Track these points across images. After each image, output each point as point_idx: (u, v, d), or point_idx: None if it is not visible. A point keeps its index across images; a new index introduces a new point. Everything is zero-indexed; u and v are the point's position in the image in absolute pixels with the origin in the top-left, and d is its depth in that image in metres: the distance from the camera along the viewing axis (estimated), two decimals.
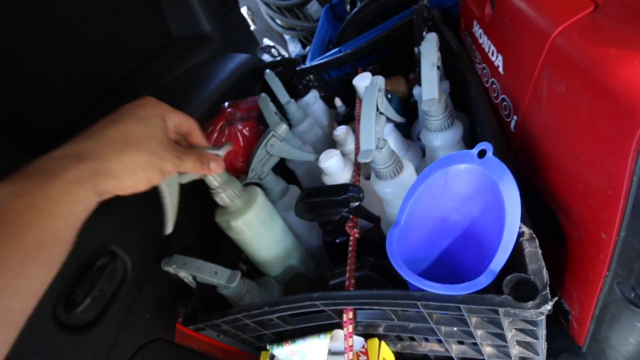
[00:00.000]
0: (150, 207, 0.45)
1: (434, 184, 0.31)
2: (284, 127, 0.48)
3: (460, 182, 0.30)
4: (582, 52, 0.25)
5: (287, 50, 1.32)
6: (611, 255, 0.25)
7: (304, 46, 1.29)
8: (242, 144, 0.59)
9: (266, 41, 1.17)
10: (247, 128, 0.61)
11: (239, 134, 0.59)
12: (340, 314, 0.36)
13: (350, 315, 0.35)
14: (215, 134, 0.57)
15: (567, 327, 0.35)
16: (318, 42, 0.89)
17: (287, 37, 1.36)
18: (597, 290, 0.28)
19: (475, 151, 0.28)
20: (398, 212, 0.33)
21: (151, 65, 0.74)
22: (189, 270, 0.40)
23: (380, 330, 0.38)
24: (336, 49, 0.75)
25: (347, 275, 0.38)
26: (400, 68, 0.70)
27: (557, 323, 0.36)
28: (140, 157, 0.29)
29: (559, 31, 0.28)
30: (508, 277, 0.25)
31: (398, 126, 0.61)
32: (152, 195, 0.39)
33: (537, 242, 0.26)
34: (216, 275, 0.40)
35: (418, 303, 0.28)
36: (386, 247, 0.31)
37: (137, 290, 0.42)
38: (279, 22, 1.30)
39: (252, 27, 1.49)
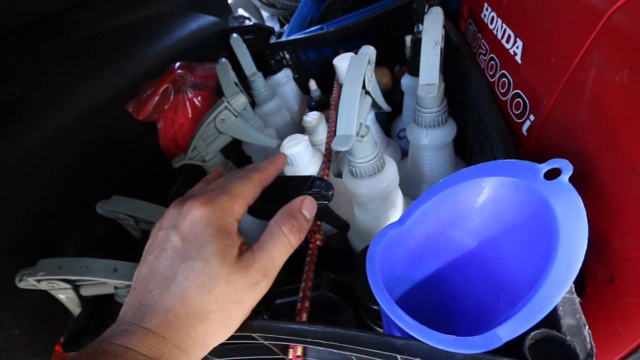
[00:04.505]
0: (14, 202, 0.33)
1: (465, 192, 0.23)
2: (242, 99, 0.38)
3: (497, 197, 0.22)
4: None
5: None
6: None
7: (282, 26, 1.18)
8: (190, 116, 0.48)
9: (241, 11, 1.05)
10: (199, 98, 0.49)
11: (187, 103, 0.48)
12: (285, 349, 0.27)
13: (299, 352, 0.26)
14: (156, 98, 0.45)
15: None
16: (299, 19, 0.79)
17: (265, 15, 1.24)
18: (625, 352, 0.21)
19: (544, 168, 0.20)
20: (405, 212, 0.24)
21: (96, 4, 0.59)
22: (67, 275, 0.28)
23: None
24: (317, 27, 0.66)
25: (301, 295, 0.29)
26: (387, 58, 0.62)
27: None
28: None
29: (621, 3, 0.20)
30: (532, 334, 0.17)
31: (378, 121, 0.54)
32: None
33: (574, 286, 0.18)
34: (115, 273, 0.28)
35: (398, 357, 0.19)
36: (367, 262, 0.22)
37: (4, 295, 0.30)
38: None
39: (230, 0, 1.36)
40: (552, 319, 0.17)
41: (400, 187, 0.46)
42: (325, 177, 0.39)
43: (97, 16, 0.57)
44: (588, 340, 0.16)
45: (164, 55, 0.55)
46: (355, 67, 0.30)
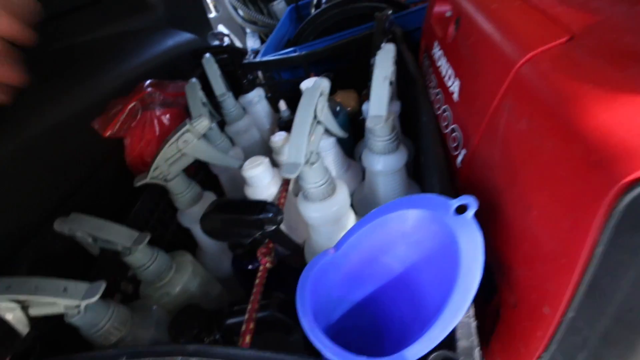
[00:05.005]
0: None
1: (391, 222, 0.25)
2: (204, 122, 0.40)
3: (417, 226, 0.24)
4: (552, 85, 0.20)
5: (244, 43, 1.23)
6: (551, 335, 0.21)
7: (263, 43, 1.21)
8: (157, 133, 0.49)
9: (221, 28, 1.07)
10: (167, 115, 0.51)
11: (155, 121, 0.49)
12: None
13: None
14: (123, 116, 0.46)
15: None
16: (275, 39, 0.82)
17: (247, 30, 1.27)
18: None
19: (454, 204, 0.22)
20: (340, 238, 0.26)
21: (69, 18, 0.60)
22: (16, 294, 0.28)
23: None
24: (291, 49, 0.69)
25: (247, 316, 0.30)
26: (355, 82, 0.65)
27: None
28: None
29: (527, 59, 0.23)
30: (432, 356, 0.19)
31: (342, 144, 0.56)
32: None
33: (473, 310, 0.21)
34: (65, 293, 0.29)
35: None
36: (298, 286, 0.24)
37: None
38: (241, 13, 1.21)
39: (213, 14, 1.38)
40: (450, 341, 0.19)
41: (358, 208, 0.48)
42: (282, 199, 0.41)
43: (71, 30, 0.58)
44: None
45: (137, 71, 0.56)
46: (307, 99, 0.33)
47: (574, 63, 0.20)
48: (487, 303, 0.29)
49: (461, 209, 0.22)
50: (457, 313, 0.19)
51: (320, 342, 0.20)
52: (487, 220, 0.26)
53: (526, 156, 0.22)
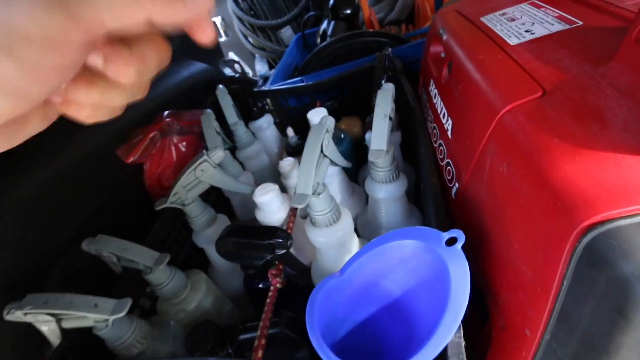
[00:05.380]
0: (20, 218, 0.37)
1: (390, 250, 0.28)
2: (219, 153, 0.43)
3: (413, 255, 0.27)
4: (527, 136, 0.24)
5: (253, 68, 1.29)
6: (533, 355, 0.24)
7: (271, 67, 1.27)
8: (174, 159, 0.53)
9: (231, 55, 1.13)
10: (184, 143, 0.55)
11: (173, 148, 0.53)
12: None
13: None
14: (144, 144, 0.50)
15: None
16: (283, 67, 0.87)
17: (256, 56, 1.33)
18: None
19: (445, 236, 0.25)
20: (345, 263, 0.29)
21: None
22: (52, 309, 0.31)
23: None
24: (298, 78, 0.73)
25: (259, 333, 0.33)
26: (359, 109, 0.70)
27: None
28: None
29: (508, 109, 0.27)
30: None
31: (347, 168, 0.59)
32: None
33: (462, 331, 0.23)
34: (96, 309, 0.32)
35: None
36: (307, 306, 0.27)
37: None
38: (250, 40, 1.28)
39: (223, 39, 1.45)
40: (442, 359, 0.22)
41: (362, 231, 0.51)
42: (291, 224, 0.44)
43: None
44: None
45: (156, 102, 0.61)
46: (314, 136, 0.36)
47: (545, 117, 0.24)
48: (483, 325, 0.32)
49: (451, 241, 0.25)
50: (448, 333, 0.22)
51: (328, 357, 0.23)
52: (477, 250, 0.29)
53: (507, 196, 0.25)
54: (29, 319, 0.32)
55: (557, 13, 0.34)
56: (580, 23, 0.31)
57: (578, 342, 0.20)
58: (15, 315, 0.32)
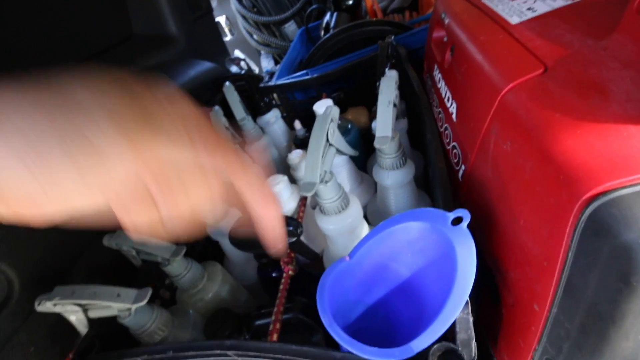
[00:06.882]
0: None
1: (397, 233, 0.29)
2: None
3: (420, 236, 0.28)
4: (529, 113, 0.24)
5: (259, 64, 1.29)
6: (542, 329, 0.24)
7: (277, 63, 1.28)
8: None
9: (237, 53, 1.14)
10: None
11: None
12: None
13: None
14: None
15: None
16: (288, 62, 0.88)
17: (262, 52, 1.34)
18: None
19: (451, 216, 0.26)
20: (353, 248, 0.30)
21: (103, 57, 0.68)
22: (79, 299, 0.33)
23: None
24: (303, 72, 0.73)
25: (273, 318, 0.34)
26: (365, 99, 0.70)
27: None
28: None
29: (510, 88, 0.27)
30: (435, 347, 0.22)
31: (355, 157, 0.60)
32: None
33: (470, 307, 0.24)
34: (118, 298, 0.34)
35: None
36: (317, 289, 0.28)
37: (23, 317, 0.35)
38: (255, 37, 1.28)
39: (228, 37, 1.46)
40: (451, 334, 0.23)
41: (372, 218, 0.52)
42: (302, 213, 0.45)
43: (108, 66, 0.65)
44: (474, 351, 0.22)
45: None
46: (319, 126, 0.37)
47: (547, 93, 0.24)
48: (494, 304, 0.32)
49: (457, 221, 0.26)
50: (456, 309, 0.22)
51: (338, 335, 0.24)
52: (486, 229, 0.30)
53: (511, 174, 0.25)
54: (58, 309, 0.34)
55: None
56: None
57: (585, 312, 0.20)
58: (46, 306, 0.34)
